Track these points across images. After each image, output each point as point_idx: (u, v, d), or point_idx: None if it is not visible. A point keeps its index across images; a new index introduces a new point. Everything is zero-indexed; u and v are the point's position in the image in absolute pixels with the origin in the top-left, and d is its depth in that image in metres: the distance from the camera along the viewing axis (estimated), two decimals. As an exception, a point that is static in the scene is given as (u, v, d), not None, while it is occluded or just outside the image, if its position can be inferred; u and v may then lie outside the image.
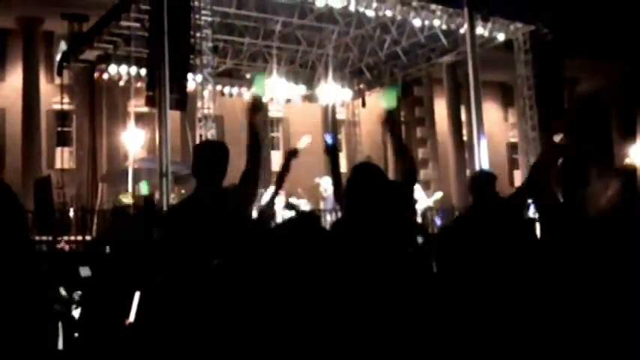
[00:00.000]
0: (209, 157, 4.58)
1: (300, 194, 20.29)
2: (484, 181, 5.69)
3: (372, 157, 27.10)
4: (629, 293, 3.19)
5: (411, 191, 4.97)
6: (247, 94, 18.56)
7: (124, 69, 23.05)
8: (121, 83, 24.10)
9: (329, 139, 5.59)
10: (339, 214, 5.25)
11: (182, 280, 4.23)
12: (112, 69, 23.04)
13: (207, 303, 3.99)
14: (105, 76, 23.57)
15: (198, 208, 4.44)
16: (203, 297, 4.02)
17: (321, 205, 19.64)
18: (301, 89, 27.75)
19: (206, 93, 19.04)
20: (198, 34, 18.73)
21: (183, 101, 17.78)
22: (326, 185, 20.03)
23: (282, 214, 16.93)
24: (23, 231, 3.72)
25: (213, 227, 4.25)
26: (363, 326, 3.40)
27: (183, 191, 19.34)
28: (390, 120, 4.89)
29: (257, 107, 4.89)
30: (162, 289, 4.58)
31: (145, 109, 22.57)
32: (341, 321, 3.41)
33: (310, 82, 27.86)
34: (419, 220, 16.11)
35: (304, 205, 18.93)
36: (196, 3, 18.57)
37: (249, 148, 4.64)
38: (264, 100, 14.32)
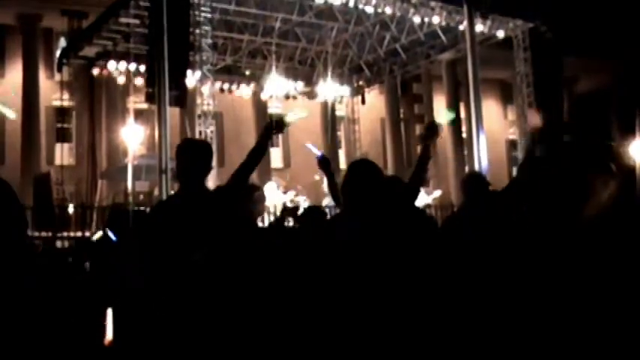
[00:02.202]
0: (189, 156, 4.55)
1: (300, 191, 20.33)
2: (474, 180, 5.78)
3: (370, 153, 27.13)
4: (629, 292, 3.20)
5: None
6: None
7: (123, 66, 23.07)
8: (121, 80, 24.12)
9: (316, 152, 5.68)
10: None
11: (162, 281, 4.22)
12: (112, 65, 23.06)
13: (193, 302, 3.99)
14: (104, 72, 23.57)
15: (176, 209, 4.41)
16: (188, 296, 4.01)
17: (323, 202, 19.67)
18: (300, 86, 27.78)
19: (205, 90, 19.08)
20: (197, 31, 18.76)
21: (183, 98, 17.80)
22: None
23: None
24: (22, 229, 3.74)
25: (191, 228, 4.23)
26: (363, 324, 3.41)
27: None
28: (431, 133, 5.01)
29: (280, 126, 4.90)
30: (143, 295, 4.56)
31: (145, 106, 22.59)
32: (340, 318, 3.42)
33: (309, 79, 27.87)
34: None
35: (304, 202, 18.97)
36: (195, 0, 18.59)
37: (255, 150, 4.63)
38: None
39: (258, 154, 4.61)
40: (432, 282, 3.26)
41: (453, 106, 33.45)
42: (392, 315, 3.30)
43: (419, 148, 5.15)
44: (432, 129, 5.07)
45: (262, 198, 6.22)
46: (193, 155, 4.54)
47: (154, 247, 4.42)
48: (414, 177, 4.96)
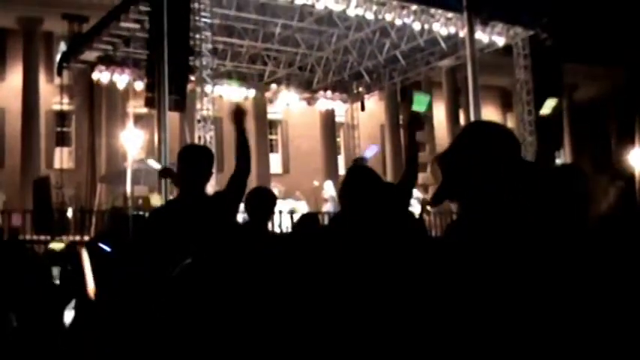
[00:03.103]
0: (191, 161, 4.56)
1: (299, 196, 20.33)
2: None
3: (369, 160, 27.12)
4: (628, 300, 3.20)
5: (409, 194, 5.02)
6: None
7: (123, 70, 23.08)
8: (121, 84, 24.13)
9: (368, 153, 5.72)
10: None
11: (161, 285, 4.23)
12: (112, 70, 23.07)
13: (185, 308, 3.99)
14: (104, 76, 23.58)
15: (179, 213, 4.42)
16: (185, 301, 4.02)
17: (323, 208, 19.68)
18: (300, 92, 27.80)
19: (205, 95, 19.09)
20: (197, 36, 18.76)
21: (183, 103, 17.82)
22: (327, 188, 20.08)
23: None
24: None
25: (191, 231, 4.24)
26: (360, 327, 3.41)
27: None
28: (415, 123, 5.04)
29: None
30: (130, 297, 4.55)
31: (144, 110, 22.63)
32: (337, 321, 3.42)
33: (309, 85, 27.89)
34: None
35: (303, 207, 18.98)
36: (196, 5, 18.60)
37: (239, 152, 4.63)
38: None
39: (244, 149, 4.62)
40: (430, 288, 3.27)
41: (453, 112, 33.53)
42: (389, 322, 3.31)
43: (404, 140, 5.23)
44: (416, 117, 5.12)
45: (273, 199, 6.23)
46: (194, 161, 4.56)
47: (152, 251, 4.42)
48: (407, 172, 4.96)
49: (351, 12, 20.71)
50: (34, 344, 3.56)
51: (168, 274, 4.00)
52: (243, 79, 26.62)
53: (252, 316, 3.67)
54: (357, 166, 4.26)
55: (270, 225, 7.95)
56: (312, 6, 20.51)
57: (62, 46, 26.36)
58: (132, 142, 24.04)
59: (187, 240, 4.23)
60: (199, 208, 4.37)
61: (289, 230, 15.15)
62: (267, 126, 32.36)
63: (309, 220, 6.53)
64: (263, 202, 5.56)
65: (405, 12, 21.26)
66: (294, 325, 3.42)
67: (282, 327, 3.53)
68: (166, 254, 4.25)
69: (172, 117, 18.54)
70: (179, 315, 3.93)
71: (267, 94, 27.43)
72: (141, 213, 16.65)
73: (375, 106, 32.28)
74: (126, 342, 4.97)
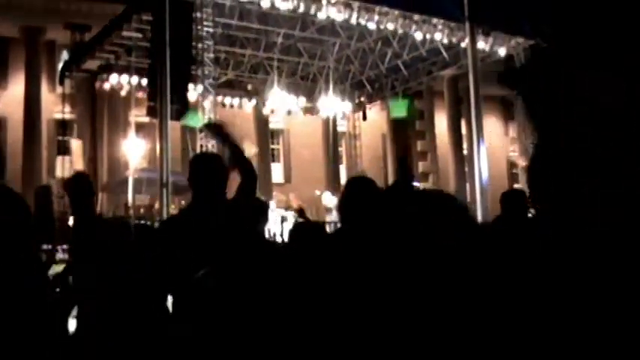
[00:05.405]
0: (205, 169, 4.55)
1: (300, 207, 20.28)
2: (515, 196, 5.76)
3: (370, 169, 27.14)
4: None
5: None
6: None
7: (125, 79, 23.11)
8: (122, 93, 24.15)
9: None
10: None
11: (173, 292, 4.22)
12: (114, 79, 23.10)
13: (201, 315, 3.98)
14: (106, 85, 23.60)
15: (192, 222, 4.41)
16: (197, 307, 4.00)
17: (327, 218, 19.67)
18: (302, 101, 27.81)
19: (207, 104, 19.09)
20: (199, 45, 18.79)
21: (184, 112, 17.82)
22: (328, 199, 20.08)
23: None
24: (28, 237, 3.74)
25: (205, 240, 4.23)
26: (362, 338, 3.38)
27: (183, 202, 19.37)
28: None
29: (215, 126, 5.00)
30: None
31: (146, 119, 22.63)
32: (340, 331, 3.40)
33: (311, 95, 27.91)
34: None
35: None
36: (198, 14, 18.64)
37: (235, 161, 4.62)
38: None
39: (238, 157, 4.62)
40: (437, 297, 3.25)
41: (455, 122, 33.53)
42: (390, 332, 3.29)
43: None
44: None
45: (266, 209, 6.20)
46: (207, 170, 4.54)
47: (165, 259, 4.41)
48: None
49: (353, 21, 20.76)
50: (33, 347, 3.53)
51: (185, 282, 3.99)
52: (245, 88, 26.72)
53: (260, 324, 3.64)
54: (356, 177, 4.25)
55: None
56: (315, 15, 20.55)
57: (64, 55, 26.40)
58: (133, 151, 24.05)
59: (206, 249, 4.21)
60: (218, 217, 4.35)
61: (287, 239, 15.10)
62: (269, 135, 32.33)
63: (302, 231, 6.45)
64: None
65: (407, 22, 21.31)
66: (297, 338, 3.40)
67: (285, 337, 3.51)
68: (179, 262, 4.24)
69: (174, 126, 18.53)
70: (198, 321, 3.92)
71: (268, 103, 27.46)
72: (142, 222, 16.63)
73: (376, 115, 32.27)
74: (127, 344, 4.97)
